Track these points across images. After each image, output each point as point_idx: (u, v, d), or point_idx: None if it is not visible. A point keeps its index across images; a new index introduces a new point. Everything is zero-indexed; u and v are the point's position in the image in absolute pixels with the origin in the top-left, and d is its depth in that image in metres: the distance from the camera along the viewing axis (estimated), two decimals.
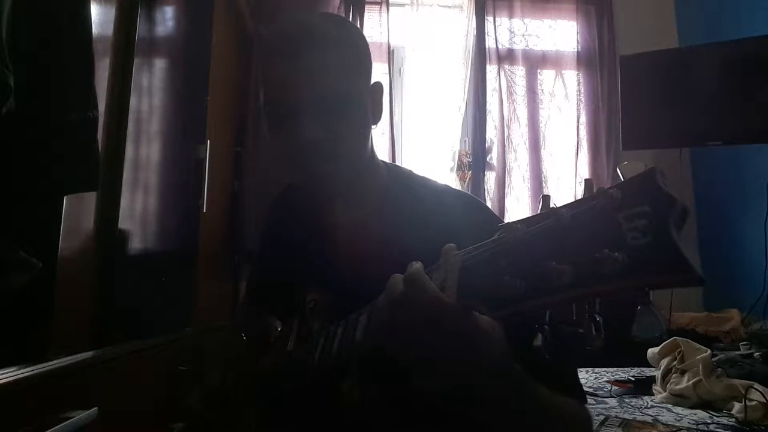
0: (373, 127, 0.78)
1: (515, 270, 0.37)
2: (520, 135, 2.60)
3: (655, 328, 0.34)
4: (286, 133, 0.70)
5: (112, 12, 0.94)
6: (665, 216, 0.31)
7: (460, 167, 2.52)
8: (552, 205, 0.39)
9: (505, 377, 0.47)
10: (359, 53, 0.75)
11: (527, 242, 0.37)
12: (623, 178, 0.36)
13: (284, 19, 0.74)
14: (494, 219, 0.80)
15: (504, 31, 2.66)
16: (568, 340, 0.37)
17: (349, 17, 2.46)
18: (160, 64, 1.19)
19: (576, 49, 2.68)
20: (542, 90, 2.66)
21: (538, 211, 0.40)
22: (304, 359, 0.65)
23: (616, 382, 1.64)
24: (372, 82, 0.78)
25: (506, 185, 2.53)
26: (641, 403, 1.47)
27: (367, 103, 0.75)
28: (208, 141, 1.50)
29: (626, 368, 1.78)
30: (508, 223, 0.40)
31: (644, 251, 0.31)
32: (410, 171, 0.85)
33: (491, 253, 0.40)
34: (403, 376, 0.46)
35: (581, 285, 0.33)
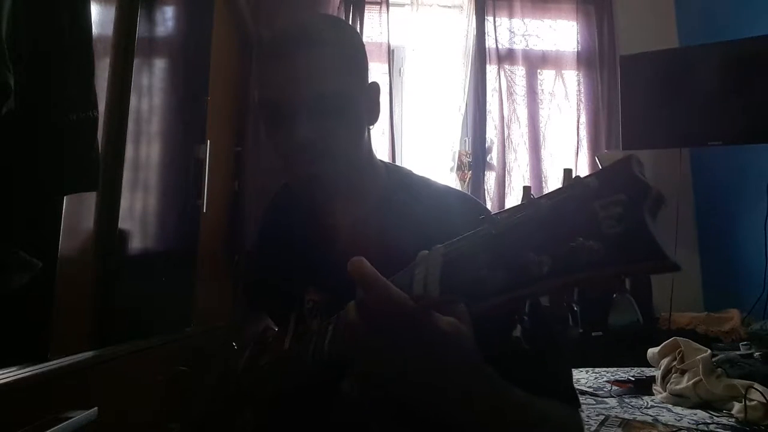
0: (370, 127, 0.78)
1: (496, 262, 0.37)
2: (520, 135, 2.60)
3: (630, 316, 0.34)
4: (281, 132, 0.71)
5: (112, 12, 0.94)
6: (640, 204, 0.31)
7: (460, 167, 2.52)
8: (531, 196, 0.39)
9: (471, 378, 0.46)
10: (354, 53, 0.75)
11: (507, 234, 0.38)
12: (601, 167, 0.36)
13: (281, 21, 0.74)
14: None
15: (504, 31, 2.66)
16: (551, 330, 0.37)
17: (349, 17, 2.46)
18: (160, 64, 1.19)
19: (576, 49, 2.68)
20: (542, 90, 2.66)
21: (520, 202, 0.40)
22: (299, 358, 0.65)
23: (616, 382, 1.64)
24: (369, 83, 0.78)
25: (506, 185, 2.53)
26: (641, 403, 1.47)
27: (362, 103, 0.75)
28: (208, 141, 1.50)
29: (626, 368, 1.78)
30: (490, 215, 0.40)
31: (619, 239, 0.31)
32: (410, 171, 0.85)
33: (472, 246, 0.40)
34: (371, 378, 0.46)
35: (559, 275, 0.33)
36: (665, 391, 1.50)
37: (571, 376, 0.68)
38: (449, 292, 0.41)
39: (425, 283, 0.42)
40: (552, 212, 0.35)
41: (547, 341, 0.63)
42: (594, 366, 1.84)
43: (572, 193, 0.35)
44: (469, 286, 0.38)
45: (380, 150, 2.45)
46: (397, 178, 0.82)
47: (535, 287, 0.34)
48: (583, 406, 1.42)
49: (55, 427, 0.66)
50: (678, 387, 1.45)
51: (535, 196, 0.38)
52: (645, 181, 0.32)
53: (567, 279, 0.33)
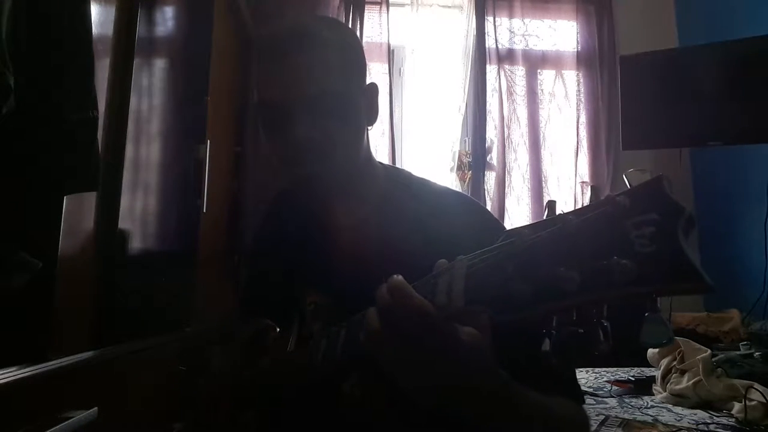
0: (368, 128, 0.78)
1: (523, 275, 0.37)
2: (520, 135, 2.60)
3: (662, 335, 0.34)
4: (279, 134, 0.71)
5: (112, 12, 0.94)
6: (673, 224, 0.32)
7: (460, 167, 2.52)
8: (558, 212, 0.39)
9: (488, 387, 0.47)
10: (352, 54, 0.75)
11: (535, 248, 0.37)
12: (629, 185, 0.36)
13: (278, 21, 0.74)
14: (493, 221, 0.80)
15: (504, 31, 2.66)
16: (574, 345, 0.37)
17: (349, 17, 2.46)
18: (160, 64, 1.19)
19: (576, 49, 2.68)
20: (542, 90, 2.66)
21: (544, 217, 0.40)
22: (307, 360, 0.65)
23: (616, 382, 1.64)
24: (366, 83, 0.78)
25: (506, 185, 2.53)
26: (641, 403, 1.47)
27: (360, 104, 0.75)
28: (208, 141, 1.51)
29: (626, 368, 1.78)
30: (515, 228, 0.40)
31: (653, 258, 0.31)
32: (409, 173, 0.85)
33: (498, 258, 0.40)
34: (393, 381, 0.46)
35: (589, 291, 0.33)
36: (665, 391, 1.50)
37: (575, 372, 0.69)
38: (473, 303, 0.41)
39: (449, 293, 0.43)
40: (582, 228, 0.35)
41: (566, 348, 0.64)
42: (594, 366, 1.84)
43: (603, 211, 0.35)
44: (495, 298, 0.39)
45: (380, 150, 2.45)
46: (396, 179, 0.82)
47: (565, 303, 0.34)
48: (584, 406, 1.42)
49: (55, 427, 0.66)
50: (678, 387, 1.45)
51: (562, 212, 0.38)
52: (677, 201, 0.33)
53: (598, 296, 0.33)
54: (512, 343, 0.49)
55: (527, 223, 0.44)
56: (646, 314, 0.34)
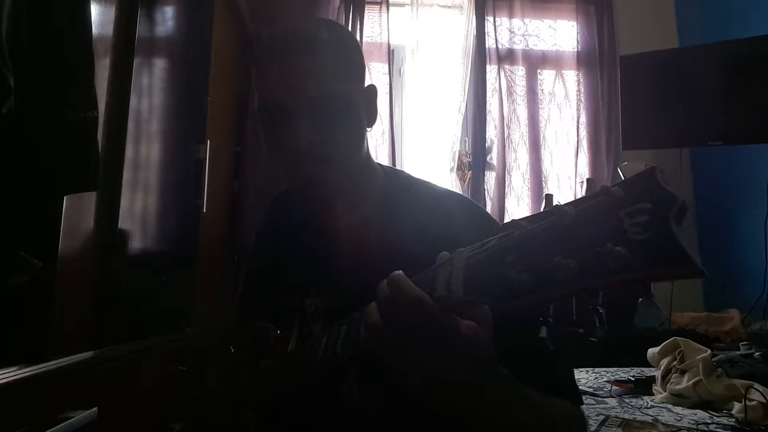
0: (368, 129, 0.78)
1: (521, 265, 0.38)
2: (520, 135, 2.60)
3: (655, 318, 0.35)
4: (281, 137, 0.71)
5: (112, 12, 0.94)
6: (666, 212, 0.33)
7: (460, 167, 2.52)
8: (555, 203, 0.39)
9: (487, 381, 0.47)
10: (351, 56, 0.75)
11: (532, 238, 0.38)
12: (624, 177, 0.37)
13: (277, 25, 0.74)
14: (493, 223, 0.80)
15: (504, 31, 2.66)
16: (568, 336, 0.38)
17: (349, 17, 2.46)
18: (160, 64, 1.19)
19: (576, 49, 2.68)
20: (542, 90, 2.66)
21: (542, 209, 0.40)
22: (308, 359, 0.65)
23: (616, 382, 1.64)
24: (366, 85, 0.78)
25: (506, 185, 2.53)
26: (641, 403, 1.47)
27: (360, 106, 0.75)
28: (208, 141, 1.51)
29: (626, 368, 1.78)
30: (513, 220, 0.41)
31: (646, 245, 0.32)
32: (408, 174, 0.85)
33: (497, 249, 0.41)
34: (393, 377, 0.46)
35: (586, 278, 0.34)
36: (665, 391, 1.50)
37: (573, 373, 0.69)
38: (473, 293, 0.42)
39: (449, 284, 0.43)
40: (578, 219, 0.36)
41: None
42: (594, 366, 1.84)
43: (598, 201, 0.36)
44: (494, 287, 0.39)
45: (380, 150, 2.45)
46: (395, 180, 0.82)
47: (563, 290, 0.35)
48: (583, 406, 1.42)
49: (55, 427, 0.66)
50: (678, 387, 1.45)
51: (559, 203, 0.39)
52: (670, 190, 0.34)
53: (595, 282, 0.34)
54: (512, 339, 0.49)
55: None
56: (640, 299, 0.35)
